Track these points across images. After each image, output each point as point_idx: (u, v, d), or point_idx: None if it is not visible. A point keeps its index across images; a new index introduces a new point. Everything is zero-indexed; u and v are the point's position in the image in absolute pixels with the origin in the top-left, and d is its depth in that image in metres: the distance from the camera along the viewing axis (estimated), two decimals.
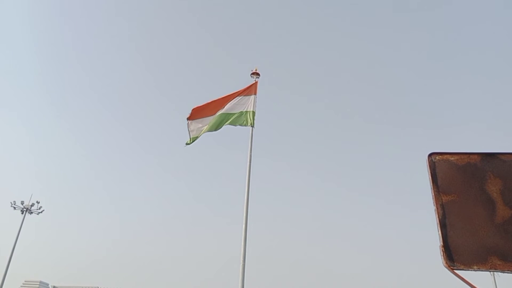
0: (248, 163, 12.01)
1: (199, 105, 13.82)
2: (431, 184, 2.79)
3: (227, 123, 13.43)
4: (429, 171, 2.84)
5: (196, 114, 13.74)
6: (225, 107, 13.61)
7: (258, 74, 14.13)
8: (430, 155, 2.90)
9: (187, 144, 13.33)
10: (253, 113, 13.20)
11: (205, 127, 13.47)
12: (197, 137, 13.44)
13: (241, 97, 13.75)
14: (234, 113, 13.49)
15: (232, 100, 13.69)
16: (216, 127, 13.48)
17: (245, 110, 13.43)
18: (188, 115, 13.60)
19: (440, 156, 2.88)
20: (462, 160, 2.84)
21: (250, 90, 13.83)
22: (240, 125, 13.26)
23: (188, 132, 13.50)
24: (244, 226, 10.85)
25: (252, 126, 12.91)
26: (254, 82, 13.99)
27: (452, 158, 2.86)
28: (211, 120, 13.58)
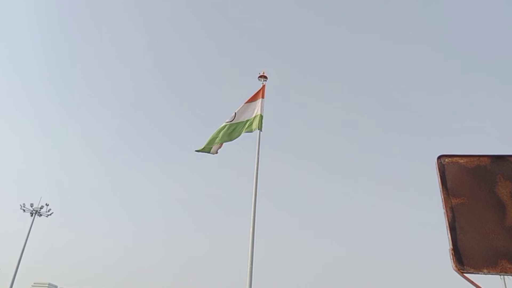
0: (255, 166, 11.99)
1: None
2: (441, 186, 2.77)
3: (236, 135, 13.34)
4: (438, 173, 2.82)
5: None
6: (234, 117, 13.54)
7: (265, 77, 14.08)
8: (439, 157, 2.88)
9: (196, 151, 13.39)
10: (261, 116, 13.12)
11: (216, 140, 13.41)
12: (206, 147, 13.40)
13: (248, 103, 13.69)
14: (242, 122, 13.44)
15: (240, 108, 13.64)
16: (227, 138, 13.38)
17: (252, 116, 13.37)
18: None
19: (450, 159, 2.86)
20: (471, 162, 2.81)
21: (258, 95, 13.77)
22: (249, 132, 13.17)
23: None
24: (251, 230, 10.81)
25: (260, 130, 12.86)
26: (261, 85, 13.97)
27: (462, 161, 2.83)
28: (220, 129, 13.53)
